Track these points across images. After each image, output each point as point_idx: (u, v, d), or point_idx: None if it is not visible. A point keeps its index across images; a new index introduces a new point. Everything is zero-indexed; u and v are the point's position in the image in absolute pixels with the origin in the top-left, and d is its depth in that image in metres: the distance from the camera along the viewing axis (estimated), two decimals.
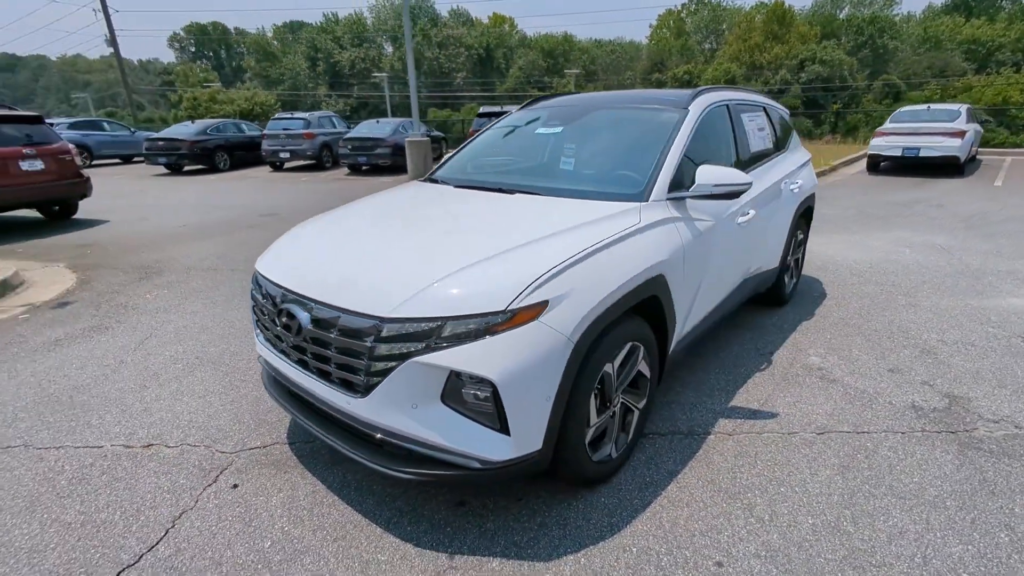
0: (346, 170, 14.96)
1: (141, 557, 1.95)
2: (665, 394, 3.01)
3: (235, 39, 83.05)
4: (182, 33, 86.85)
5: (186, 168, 15.24)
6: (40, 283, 5.35)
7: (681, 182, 2.62)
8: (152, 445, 2.63)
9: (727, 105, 3.31)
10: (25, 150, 7.50)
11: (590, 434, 2.11)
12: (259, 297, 2.32)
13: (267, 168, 15.98)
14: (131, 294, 4.93)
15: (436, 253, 2.07)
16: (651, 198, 2.47)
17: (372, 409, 1.87)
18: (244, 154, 15.61)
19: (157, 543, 2.02)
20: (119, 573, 1.88)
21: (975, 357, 3.39)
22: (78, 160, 8.40)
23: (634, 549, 1.96)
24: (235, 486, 2.32)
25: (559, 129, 3.24)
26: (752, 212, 3.16)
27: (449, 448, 1.82)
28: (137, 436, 2.71)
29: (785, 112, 4.39)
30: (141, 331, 4.04)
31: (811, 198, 4.28)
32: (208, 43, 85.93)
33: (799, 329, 3.87)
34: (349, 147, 13.84)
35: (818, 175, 12.64)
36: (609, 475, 2.31)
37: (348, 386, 1.93)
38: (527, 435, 1.84)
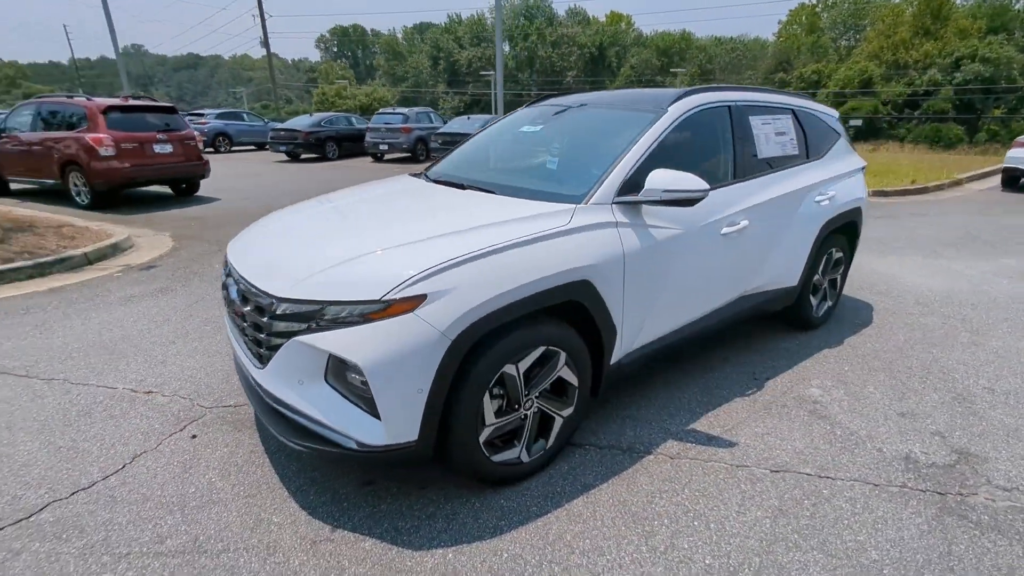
0: None
1: (94, 484, 2.26)
2: (625, 407, 2.85)
3: (371, 40, 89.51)
4: (327, 35, 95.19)
5: (302, 156, 16.81)
6: (143, 248, 6.24)
7: (640, 186, 2.46)
8: (152, 392, 3.01)
9: (729, 107, 3.03)
10: (158, 135, 8.76)
11: (486, 434, 2.08)
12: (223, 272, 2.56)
13: (369, 159, 17.19)
14: (204, 263, 5.60)
15: (349, 241, 2.16)
16: (592, 201, 2.35)
17: (268, 380, 2.01)
18: (351, 145, 16.88)
19: (111, 475, 2.32)
20: (72, 494, 2.20)
21: (1022, 413, 2.82)
22: (200, 145, 9.62)
23: (505, 555, 1.91)
24: (194, 436, 2.59)
25: (539, 128, 3.18)
26: (744, 223, 2.88)
27: (329, 425, 1.90)
28: (146, 383, 3.11)
29: (830, 115, 3.90)
30: (195, 296, 4.59)
31: (852, 213, 3.78)
32: (348, 43, 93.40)
33: (815, 357, 3.45)
34: (439, 141, 14.46)
35: (934, 190, 11.05)
36: (518, 478, 2.27)
37: (257, 357, 2.08)
38: (400, 424, 1.86)
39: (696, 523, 2.06)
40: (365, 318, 1.81)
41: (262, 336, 1.99)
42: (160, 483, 2.27)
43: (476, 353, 1.95)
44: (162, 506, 2.13)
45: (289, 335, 1.89)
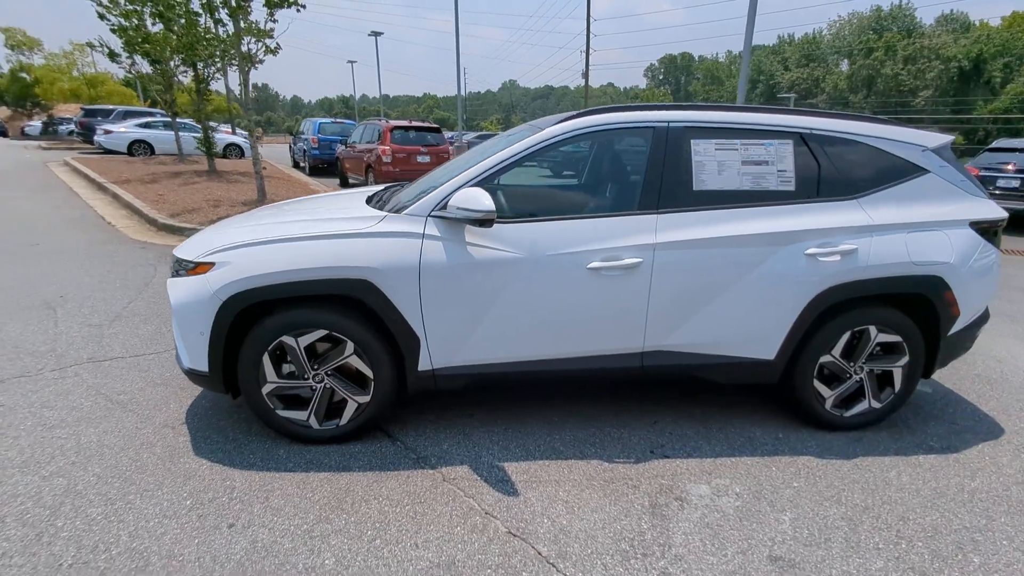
0: None
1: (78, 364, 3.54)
2: (468, 425, 2.77)
3: (696, 66, 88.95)
4: (655, 63, 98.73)
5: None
6: None
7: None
8: None
9: (654, 128, 2.53)
10: (422, 148, 11.22)
11: (268, 388, 2.48)
12: None
13: None
14: None
15: (236, 228, 2.76)
16: (407, 212, 2.45)
17: None
18: None
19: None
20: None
21: None
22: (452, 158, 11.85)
23: (238, 484, 2.31)
24: None
25: (488, 143, 3.18)
26: (634, 260, 2.41)
27: (176, 348, 2.62)
28: None
29: (900, 143, 2.62)
30: None
31: (913, 282, 2.52)
32: (674, 70, 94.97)
33: (789, 462, 2.53)
34: None
35: None
36: (308, 439, 2.57)
37: None
38: (194, 356, 2.46)
39: (373, 538, 2.04)
40: (187, 272, 2.46)
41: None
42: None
43: (252, 317, 2.39)
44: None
45: (174, 277, 2.66)
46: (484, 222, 2.26)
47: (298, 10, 9.49)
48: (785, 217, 2.53)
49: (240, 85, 9.38)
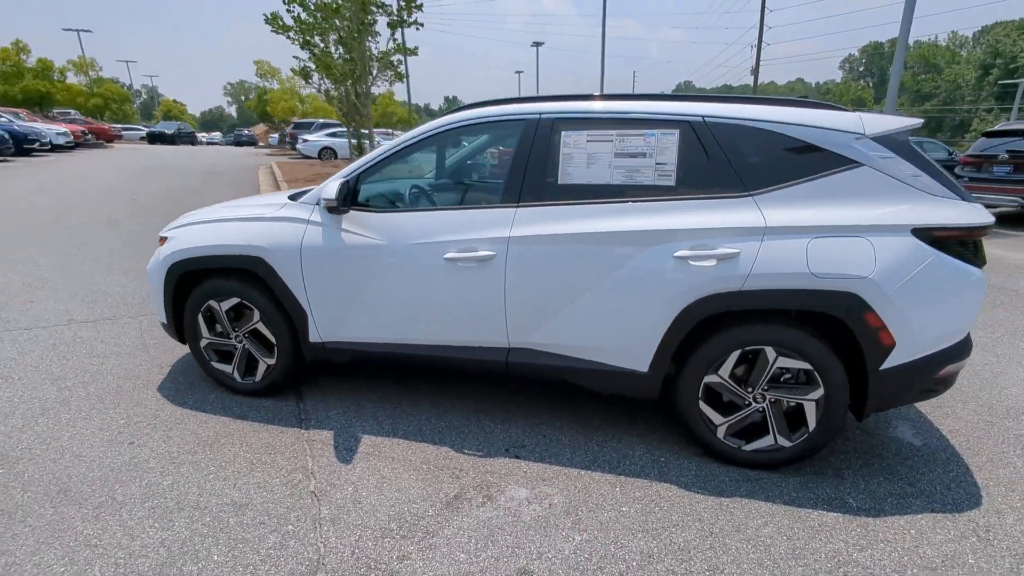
0: None
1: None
2: (367, 394, 2.96)
3: (909, 53, 74.76)
4: (855, 53, 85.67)
5: None
6: None
7: (353, 194, 2.63)
8: None
9: (526, 120, 2.42)
10: None
11: (204, 343, 2.99)
12: None
13: None
14: None
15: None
16: (302, 200, 2.74)
17: None
18: None
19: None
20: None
21: None
22: None
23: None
24: None
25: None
26: (487, 253, 2.39)
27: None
28: None
29: (824, 129, 2.10)
30: None
31: (817, 297, 2.01)
32: (879, 60, 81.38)
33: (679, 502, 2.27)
34: None
35: None
36: (233, 389, 3.03)
37: None
38: (159, 311, 3.07)
39: (209, 473, 2.38)
40: (159, 243, 3.09)
41: None
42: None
43: (188, 283, 2.91)
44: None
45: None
46: (332, 209, 2.47)
47: (416, 28, 10.53)
48: (655, 215, 2.26)
49: (359, 96, 10.63)
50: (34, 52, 38.33)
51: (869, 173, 2.13)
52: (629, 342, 2.36)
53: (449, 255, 2.46)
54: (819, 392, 2.21)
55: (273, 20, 12.78)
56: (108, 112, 51.03)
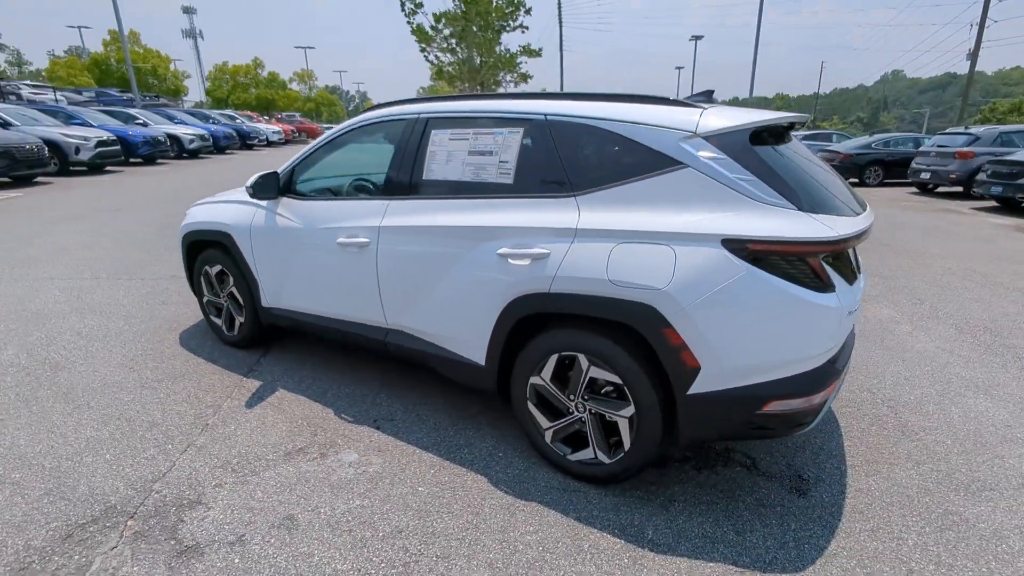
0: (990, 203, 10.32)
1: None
2: (326, 367, 3.40)
3: None
4: None
5: (849, 179, 14.88)
6: None
7: (289, 183, 3.07)
8: None
9: (416, 119, 2.56)
10: None
11: (204, 300, 3.72)
12: None
13: (913, 189, 13.18)
14: None
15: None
16: None
17: None
18: (903, 171, 13.35)
19: None
20: None
21: None
22: None
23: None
24: None
25: None
26: (363, 240, 2.63)
27: None
28: None
29: (654, 129, 1.88)
30: None
31: (604, 305, 1.85)
32: None
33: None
34: (989, 171, 9.54)
35: None
36: (222, 339, 3.72)
37: None
38: (186, 273, 3.89)
39: (149, 397, 3.02)
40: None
41: None
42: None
43: (196, 250, 3.65)
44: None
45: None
46: (252, 196, 2.94)
47: (522, 31, 10.91)
48: (490, 212, 2.28)
49: None
50: (267, 66, 47.58)
51: (692, 175, 1.90)
52: (468, 334, 2.42)
53: (340, 239, 2.75)
54: (631, 410, 2.04)
55: (418, 32, 14.21)
56: (324, 114, 60.94)
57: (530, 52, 13.99)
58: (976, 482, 2.29)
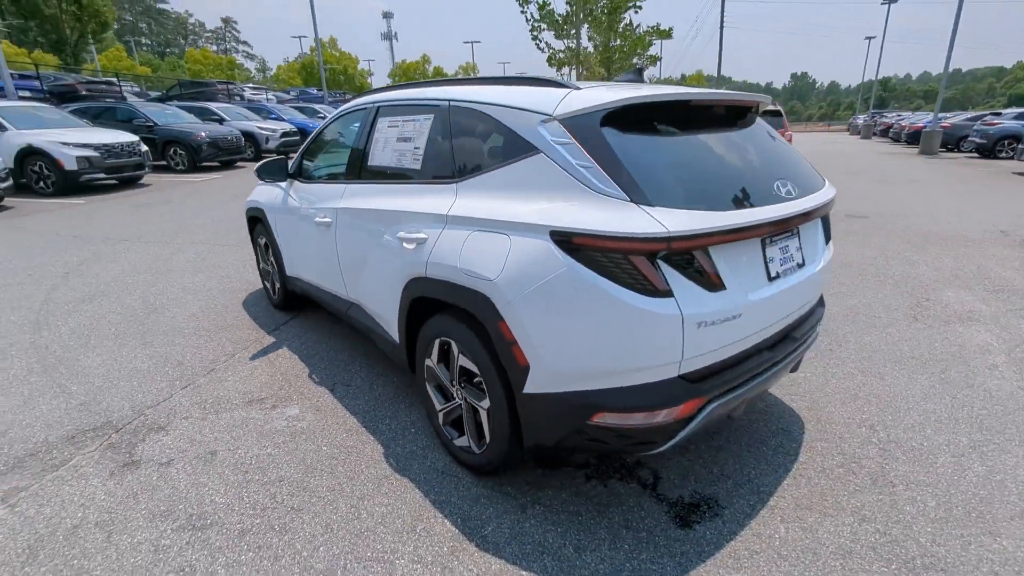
0: None
1: None
2: (319, 341, 3.80)
3: None
4: None
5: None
6: None
7: (299, 167, 3.45)
8: None
9: (377, 107, 2.68)
10: None
11: (260, 267, 4.36)
12: None
13: None
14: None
15: None
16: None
17: None
18: None
19: None
20: None
21: None
22: None
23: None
24: None
25: None
26: (327, 219, 2.88)
27: None
28: None
29: (514, 112, 1.73)
30: None
31: (456, 294, 1.76)
32: None
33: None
34: None
35: None
36: (270, 301, 4.33)
37: None
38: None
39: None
40: None
41: None
42: None
43: (253, 226, 4.28)
44: None
45: None
46: (260, 178, 3.34)
47: (636, 11, 10.27)
48: (399, 196, 2.35)
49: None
50: (439, 62, 51.74)
51: (543, 161, 1.74)
52: (388, 313, 2.52)
53: (317, 219, 3.04)
54: (488, 402, 1.97)
55: (547, 17, 14.22)
56: None
57: (660, 33, 13.15)
58: (928, 569, 1.75)
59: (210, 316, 4.08)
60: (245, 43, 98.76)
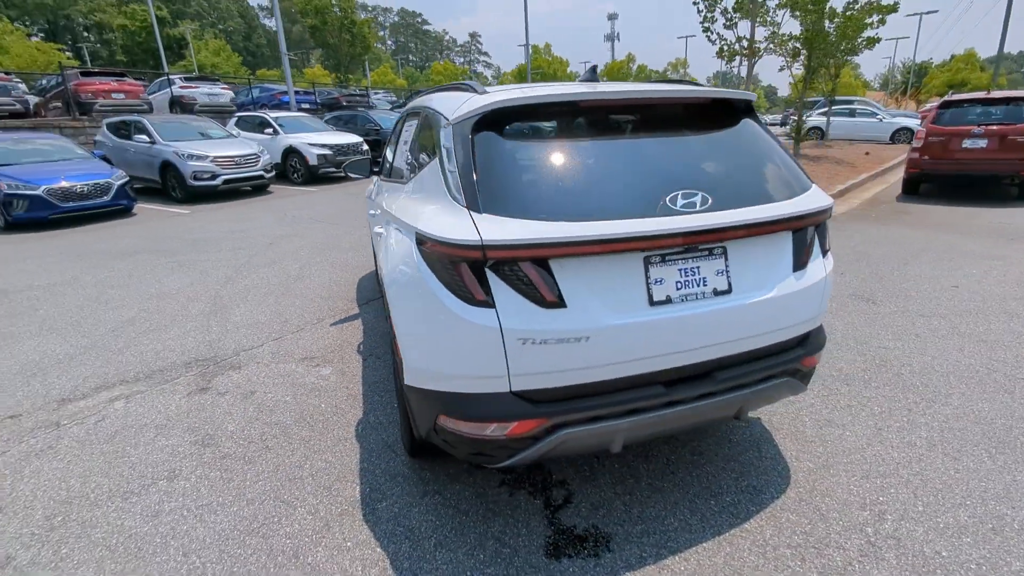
0: None
1: None
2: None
3: None
4: None
5: None
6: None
7: (380, 166, 3.94)
8: None
9: (407, 111, 2.93)
10: (974, 129, 7.63)
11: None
12: None
13: None
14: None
15: None
16: None
17: None
18: None
19: None
20: None
21: None
22: None
23: None
24: None
25: None
26: (376, 211, 3.27)
27: None
28: None
29: (436, 113, 1.71)
30: None
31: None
32: None
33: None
34: None
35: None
36: None
37: None
38: None
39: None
40: None
41: None
42: None
43: None
44: None
45: None
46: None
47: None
48: (389, 194, 2.56)
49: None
50: (642, 60, 50.63)
51: (436, 163, 1.76)
52: None
53: (370, 211, 3.47)
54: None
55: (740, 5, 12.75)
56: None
57: (881, 8, 10.78)
58: None
59: (331, 287, 4.92)
60: (485, 54, 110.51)
